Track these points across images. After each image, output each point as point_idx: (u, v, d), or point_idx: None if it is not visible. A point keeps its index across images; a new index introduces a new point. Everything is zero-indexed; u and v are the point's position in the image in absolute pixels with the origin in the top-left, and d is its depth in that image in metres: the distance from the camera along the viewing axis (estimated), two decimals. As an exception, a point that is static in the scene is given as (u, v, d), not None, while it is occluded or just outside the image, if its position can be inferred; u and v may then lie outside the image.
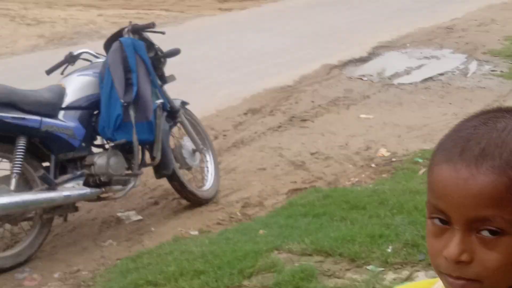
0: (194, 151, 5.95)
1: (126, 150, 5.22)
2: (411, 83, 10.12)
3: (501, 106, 1.12)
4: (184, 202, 6.00)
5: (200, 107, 8.36)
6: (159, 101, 5.34)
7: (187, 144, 5.90)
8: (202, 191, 5.99)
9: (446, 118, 8.19)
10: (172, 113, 5.70)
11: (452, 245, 1.01)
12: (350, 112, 8.82)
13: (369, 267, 4.07)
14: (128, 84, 5.07)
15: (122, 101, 4.99)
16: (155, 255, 4.71)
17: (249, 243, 4.64)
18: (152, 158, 5.40)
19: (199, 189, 6.00)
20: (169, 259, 4.54)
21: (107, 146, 5.30)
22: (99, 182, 5.10)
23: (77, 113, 5.07)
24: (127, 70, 5.11)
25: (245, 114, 8.85)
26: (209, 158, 6.26)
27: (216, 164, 6.34)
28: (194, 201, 5.93)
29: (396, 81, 10.34)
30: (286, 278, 3.93)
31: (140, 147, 5.32)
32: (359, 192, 5.65)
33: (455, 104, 8.96)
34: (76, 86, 5.16)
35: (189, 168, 5.97)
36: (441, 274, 1.05)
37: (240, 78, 10.42)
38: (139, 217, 5.77)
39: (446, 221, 1.03)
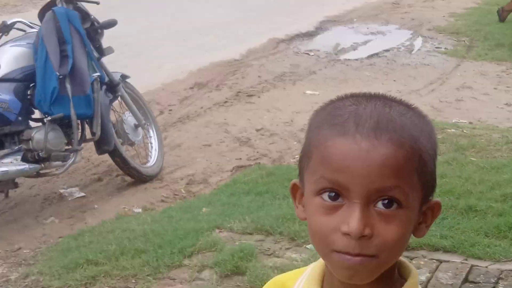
0: (136, 126, 5.87)
1: (65, 124, 5.10)
2: (356, 59, 10.20)
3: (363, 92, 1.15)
4: (128, 178, 5.94)
5: (146, 80, 8.29)
6: (96, 74, 5.21)
7: (129, 119, 5.81)
8: (146, 168, 5.94)
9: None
10: (111, 86, 5.60)
11: (354, 220, 0.99)
12: (296, 88, 8.85)
13: (309, 246, 4.10)
14: (63, 56, 4.93)
15: (57, 73, 4.85)
16: (96, 233, 4.67)
17: (191, 222, 4.64)
18: (92, 133, 5.30)
19: (143, 165, 5.94)
20: (111, 237, 4.51)
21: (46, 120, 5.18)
22: (38, 158, 4.96)
23: (12, 85, 4.92)
24: (61, 41, 4.96)
25: (191, 88, 8.79)
26: (152, 133, 6.19)
27: (160, 140, 6.28)
28: (138, 178, 5.87)
29: (342, 57, 10.42)
30: (226, 257, 3.94)
31: (79, 122, 5.20)
32: (302, 169, 5.67)
33: (399, 81, 9.08)
34: (10, 57, 5.00)
35: (132, 144, 5.90)
36: (332, 253, 1.03)
37: (187, 51, 10.34)
38: (82, 194, 5.70)
39: (338, 196, 1.02)
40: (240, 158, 6.46)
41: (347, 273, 1.03)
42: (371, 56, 10.38)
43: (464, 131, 6.52)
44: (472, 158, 5.63)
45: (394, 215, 1.02)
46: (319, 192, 1.04)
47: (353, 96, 1.11)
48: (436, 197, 3.95)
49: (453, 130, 6.54)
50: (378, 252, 1.01)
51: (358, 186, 1.00)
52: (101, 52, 5.59)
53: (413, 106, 1.13)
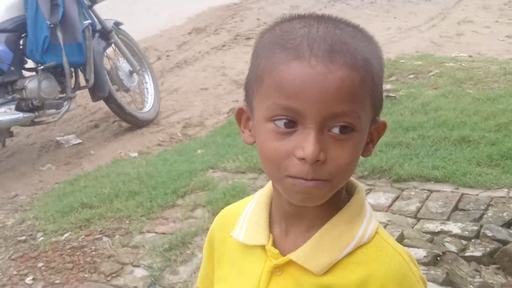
0: (131, 73, 5.87)
1: (58, 73, 5.11)
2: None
3: (311, 13, 1.09)
4: (125, 124, 5.97)
5: (143, 27, 8.26)
6: (87, 21, 5.19)
7: (123, 65, 5.81)
8: (142, 113, 5.95)
9: (390, 33, 8.21)
10: (104, 34, 5.58)
11: (309, 145, 0.98)
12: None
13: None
14: (53, 5, 4.91)
15: (48, 22, 4.84)
16: (92, 178, 4.71)
17: (185, 163, 4.66)
18: (86, 80, 5.31)
19: (139, 111, 5.96)
20: (106, 181, 4.54)
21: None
22: (32, 107, 5.00)
23: (3, 36, 4.92)
24: None
25: (189, 33, 8.75)
26: (148, 79, 6.18)
27: (156, 85, 6.27)
28: (135, 123, 5.89)
29: (341, -5, 10.29)
30: (218, 195, 3.97)
31: (72, 70, 5.21)
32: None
33: (400, 18, 8.97)
34: (0, 8, 4.98)
35: (127, 90, 5.90)
36: (285, 178, 1.02)
37: (185, -4, 10.25)
38: (79, 141, 5.73)
39: (293, 122, 1.00)
40: (237, 100, 6.45)
41: (301, 197, 1.03)
42: (372, -7, 10.24)
43: (463, 64, 6.46)
44: (469, 91, 5.59)
45: (348, 139, 1.00)
46: (272, 118, 1.01)
47: (300, 17, 1.06)
48: (430, 129, 3.97)
49: (451, 64, 6.48)
50: (331, 177, 1.01)
51: (314, 111, 0.98)
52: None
53: (360, 27, 1.08)
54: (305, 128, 0.98)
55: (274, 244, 1.13)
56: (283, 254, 1.11)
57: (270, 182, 1.17)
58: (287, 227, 1.13)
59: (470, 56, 7.03)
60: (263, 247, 1.14)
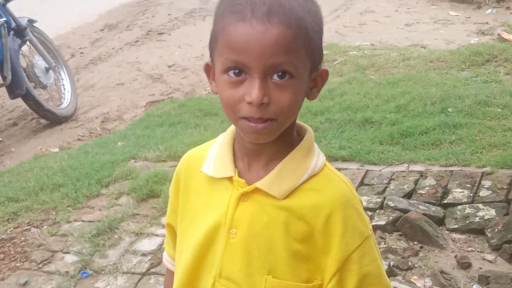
0: (47, 69, 5.96)
1: (-26, 71, 5.17)
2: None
3: None
4: (43, 121, 6.06)
5: (55, 25, 8.28)
6: (2, 19, 5.27)
7: (39, 62, 5.89)
8: (60, 109, 6.05)
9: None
10: (19, 31, 5.65)
11: (254, 90, 1.19)
12: (206, 23, 8.98)
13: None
14: (-34, 4, 4.98)
15: (-37, 22, 4.91)
16: (15, 173, 4.81)
17: (107, 155, 4.83)
18: (3, 77, 5.37)
19: (57, 107, 6.05)
20: (29, 175, 4.65)
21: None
22: (-50, 107, 5.05)
23: None
24: None
25: (102, 30, 8.83)
26: (64, 75, 6.28)
27: (73, 81, 6.37)
28: (53, 119, 5.99)
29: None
30: (141, 183, 4.17)
31: (-11, 68, 5.28)
32: (213, 99, 5.91)
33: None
34: None
35: (44, 87, 5.99)
36: (239, 120, 1.24)
37: (95, -7, 10.28)
38: (-1, 139, 5.80)
39: (241, 72, 1.21)
40: (153, 94, 6.63)
41: (253, 136, 1.25)
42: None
43: (365, 52, 6.86)
44: (371, 76, 5.98)
45: (287, 84, 1.21)
46: (226, 71, 1.22)
47: None
48: (336, 113, 4.32)
49: (355, 52, 6.87)
50: (276, 116, 1.22)
51: (256, 63, 1.18)
52: (6, -3, 5.61)
53: None
54: (251, 78, 1.20)
55: (240, 176, 1.35)
56: (248, 184, 1.33)
57: (230, 128, 1.41)
58: (249, 162, 1.35)
59: (372, 45, 7.45)
60: (229, 178, 1.35)
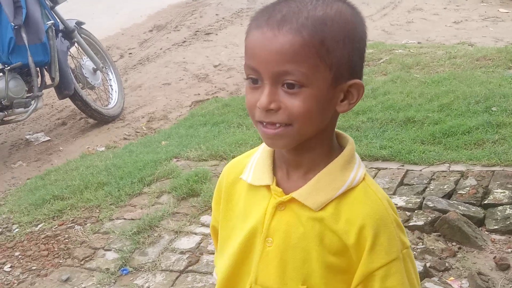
0: (95, 70, 6.09)
1: (24, 72, 5.32)
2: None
3: None
4: (91, 121, 6.19)
5: (105, 27, 8.45)
6: (50, 22, 5.41)
7: (87, 63, 6.02)
8: (107, 109, 6.18)
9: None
10: (67, 33, 5.78)
11: (263, 97, 1.22)
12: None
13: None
14: (17, 7, 5.11)
15: (12, 24, 5.04)
16: (62, 172, 4.93)
17: (150, 154, 4.91)
18: (52, 79, 5.52)
19: (104, 107, 6.18)
20: (75, 174, 4.77)
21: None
22: (1, 106, 5.20)
23: (-31, 39, 5.12)
24: None
25: (150, 31, 8.96)
26: (112, 76, 6.40)
27: (120, 82, 6.49)
28: (101, 119, 6.11)
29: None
30: (182, 182, 4.23)
31: (38, 69, 5.42)
32: (257, 98, 5.91)
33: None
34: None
35: (92, 87, 6.12)
36: (257, 123, 1.27)
37: (144, -5, 10.44)
38: (48, 138, 5.95)
39: (257, 79, 1.24)
40: (199, 94, 6.70)
41: (268, 141, 1.29)
42: (327, -14, 10.50)
43: (411, 50, 6.79)
44: (415, 75, 5.92)
45: (298, 93, 1.21)
46: (247, 76, 1.27)
47: None
48: (378, 112, 4.27)
49: (400, 50, 6.81)
50: (289, 121, 1.23)
51: (264, 69, 1.22)
52: (55, 0, 5.73)
53: (346, 0, 1.28)
54: (263, 84, 1.23)
55: (278, 185, 1.37)
56: (286, 193, 1.35)
57: None
58: (288, 171, 1.37)
59: (419, 43, 7.37)
60: (268, 187, 1.37)
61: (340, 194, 1.32)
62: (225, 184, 1.49)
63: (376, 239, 1.29)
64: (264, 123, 1.26)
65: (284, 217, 1.35)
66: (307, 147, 1.32)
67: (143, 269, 3.47)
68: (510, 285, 3.02)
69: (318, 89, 1.23)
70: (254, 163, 1.42)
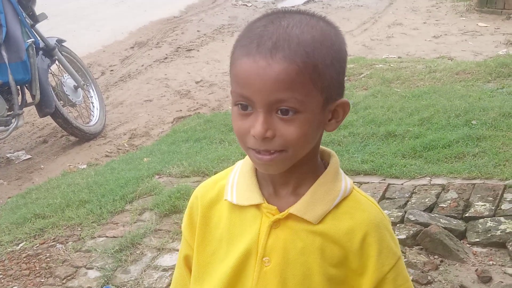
0: (76, 88, 6.08)
1: (4, 91, 5.29)
2: (293, 6, 10.41)
3: (281, 8, 1.33)
4: (73, 138, 6.17)
5: (86, 43, 8.44)
6: (30, 40, 5.40)
7: (68, 81, 6.01)
8: (89, 126, 6.16)
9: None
10: (47, 51, 5.77)
11: (258, 125, 1.20)
12: (235, 38, 8.97)
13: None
14: (-4, 25, 5.12)
15: (-8, 42, 5.04)
16: (43, 190, 4.90)
17: (132, 171, 4.89)
18: (33, 96, 5.50)
19: (86, 124, 6.16)
20: (56, 192, 4.74)
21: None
22: (-20, 125, 5.18)
23: None
24: None
25: (132, 48, 8.96)
26: (93, 93, 6.39)
27: (101, 99, 6.48)
28: (82, 137, 6.09)
29: (279, 5, 10.62)
30: (164, 198, 4.21)
31: (19, 87, 5.40)
32: (238, 114, 5.92)
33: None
34: None
35: (73, 105, 6.10)
36: (248, 149, 1.26)
37: (125, 12, 10.45)
38: (28, 156, 5.92)
39: (247, 106, 1.22)
40: (181, 110, 6.70)
41: (263, 167, 1.28)
42: (307, 2, 10.64)
43: (391, 65, 6.85)
44: (396, 89, 5.96)
45: (293, 119, 1.21)
46: (235, 103, 1.25)
47: (267, 15, 1.27)
48: (359, 127, 4.29)
49: (381, 65, 6.86)
50: (284, 148, 1.23)
51: (259, 98, 1.19)
52: (35, 18, 5.72)
53: (325, 18, 1.28)
54: (256, 112, 1.22)
55: (268, 203, 1.35)
56: (280, 210, 1.34)
57: None
58: (275, 189, 1.36)
59: (399, 57, 7.43)
60: (257, 206, 1.35)
61: (335, 205, 1.33)
62: (200, 208, 1.45)
63: (382, 243, 1.32)
64: (258, 150, 1.25)
65: (281, 235, 1.34)
66: (296, 166, 1.31)
67: (125, 287, 3.45)
68: (492, 298, 3.04)
69: (312, 113, 1.23)
70: (235, 183, 1.40)
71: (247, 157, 1.41)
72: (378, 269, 1.32)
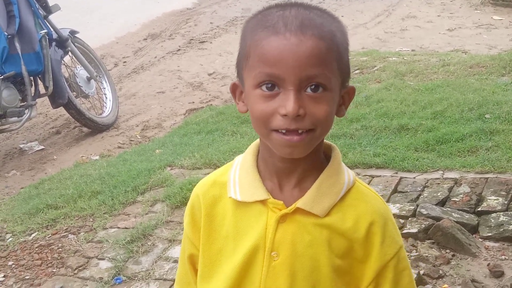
0: (88, 79, 6.09)
1: (18, 82, 5.31)
2: (307, -2, 10.38)
3: (294, 0, 1.33)
4: (85, 129, 6.19)
5: (100, 35, 8.46)
6: (43, 31, 5.41)
7: (81, 72, 6.03)
8: (101, 118, 6.18)
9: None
10: (60, 42, 5.78)
11: (290, 103, 1.20)
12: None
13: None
14: (10, 16, 5.12)
15: (5, 33, 5.05)
16: (56, 181, 4.92)
17: (144, 162, 4.90)
18: (46, 87, 5.52)
19: (98, 116, 6.18)
20: (69, 183, 4.76)
21: (-1, 79, 5.36)
22: (-6, 116, 5.20)
23: (-38, 49, 5.11)
24: (7, 2, 5.14)
25: (145, 39, 8.97)
26: (106, 85, 6.40)
27: (114, 90, 6.49)
28: (95, 128, 6.11)
29: (293, -2, 10.58)
30: (175, 190, 4.22)
31: (32, 78, 5.42)
32: (250, 107, 5.92)
33: (347, 16, 9.29)
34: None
35: (86, 96, 6.12)
36: (271, 133, 1.25)
37: (139, 3, 10.45)
38: (42, 147, 5.94)
39: (274, 86, 1.23)
40: (193, 102, 6.71)
41: (288, 150, 1.26)
42: (321, -5, 10.56)
43: (405, 58, 6.81)
44: (409, 82, 5.93)
45: (321, 96, 1.23)
46: (259, 85, 1.24)
47: (277, 5, 1.29)
48: (372, 120, 4.34)
49: (394, 58, 6.83)
50: (314, 126, 1.24)
51: (291, 75, 1.20)
52: (48, 10, 5.74)
53: (326, 10, 1.32)
54: (286, 91, 1.22)
55: (273, 198, 1.35)
56: (286, 205, 1.34)
57: (250, 149, 1.42)
58: (279, 182, 1.36)
59: (412, 50, 7.39)
60: (262, 201, 1.35)
61: (340, 198, 1.35)
62: (203, 206, 1.43)
63: (385, 232, 1.34)
64: (284, 131, 1.24)
65: (288, 229, 1.34)
66: (302, 157, 1.31)
67: (136, 278, 3.46)
68: (504, 292, 3.02)
69: (335, 93, 1.27)
70: (237, 179, 1.39)
71: (246, 152, 1.42)
72: (381, 258, 1.34)
